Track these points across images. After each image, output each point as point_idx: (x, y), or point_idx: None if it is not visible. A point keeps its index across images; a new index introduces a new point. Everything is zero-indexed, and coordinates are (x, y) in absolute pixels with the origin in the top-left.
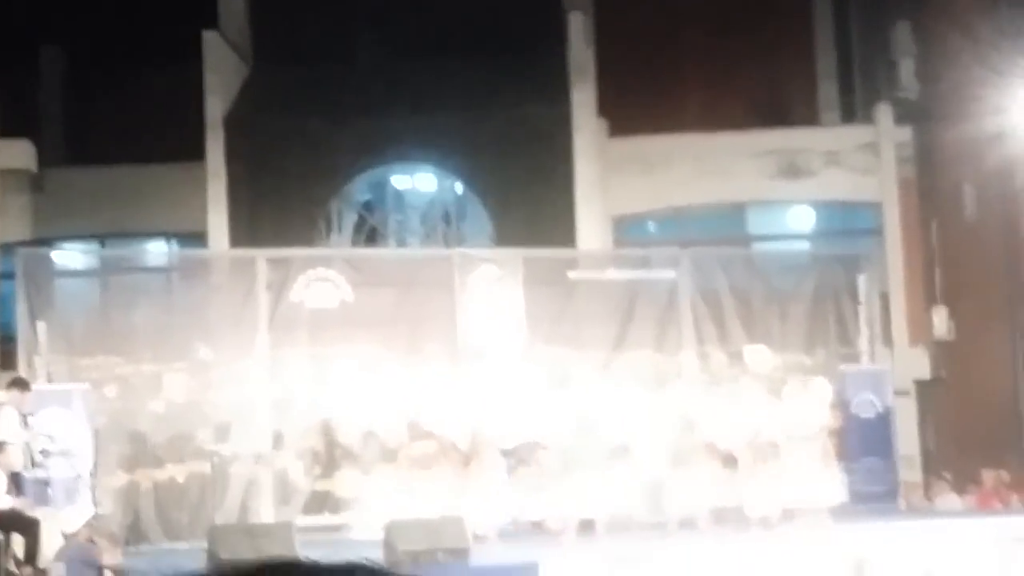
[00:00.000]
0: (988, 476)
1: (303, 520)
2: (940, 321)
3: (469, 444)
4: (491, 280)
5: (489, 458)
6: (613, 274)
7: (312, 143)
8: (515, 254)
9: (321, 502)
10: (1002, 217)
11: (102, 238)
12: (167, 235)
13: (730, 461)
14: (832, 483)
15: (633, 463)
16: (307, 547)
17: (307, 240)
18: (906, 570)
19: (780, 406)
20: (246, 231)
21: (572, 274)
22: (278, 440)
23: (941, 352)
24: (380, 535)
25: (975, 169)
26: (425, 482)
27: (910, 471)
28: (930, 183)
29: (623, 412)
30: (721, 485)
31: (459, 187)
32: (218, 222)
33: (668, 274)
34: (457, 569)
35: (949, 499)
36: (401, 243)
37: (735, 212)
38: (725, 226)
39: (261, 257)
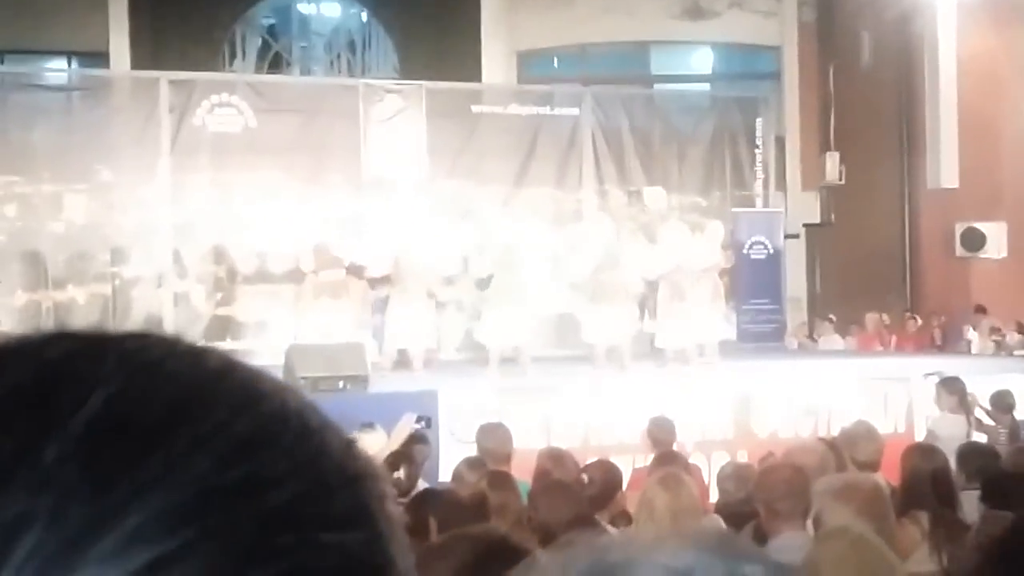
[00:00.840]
0: (871, 319)
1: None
2: (832, 166)
3: (392, 270)
4: (395, 111)
5: (412, 285)
6: (516, 109)
7: None
8: (419, 86)
9: (223, 327)
10: (897, 66)
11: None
12: (68, 54)
13: (639, 296)
14: (722, 320)
15: (542, 297)
16: None
17: (210, 65)
18: (789, 406)
19: (676, 244)
20: (148, 53)
21: (476, 108)
22: (179, 264)
23: (832, 196)
24: (280, 360)
25: (873, 16)
26: (330, 309)
27: (797, 312)
28: (829, 29)
29: (532, 246)
30: (630, 320)
31: (364, 15)
32: (120, 42)
33: (571, 111)
34: (356, 396)
35: (832, 340)
36: (305, 71)
37: (639, 51)
38: (628, 65)
39: (164, 79)
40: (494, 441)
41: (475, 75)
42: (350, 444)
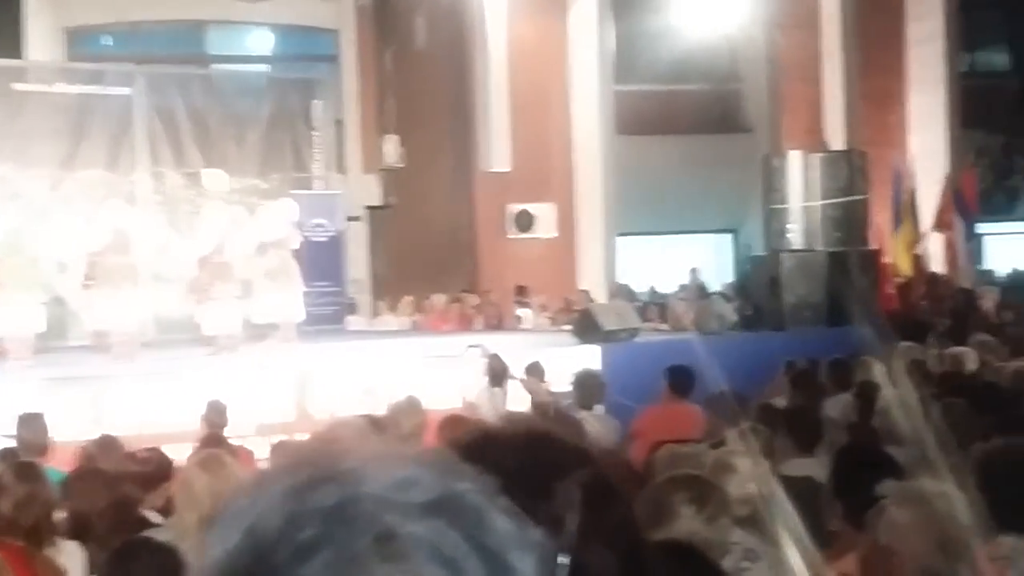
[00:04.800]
0: (438, 299)
1: None
2: (391, 149)
3: None
4: None
5: None
6: (64, 88)
7: None
8: None
9: None
10: (451, 51)
11: None
12: None
13: (189, 280)
14: (296, 302)
15: (70, 281)
16: None
17: None
18: (347, 386)
19: (242, 226)
20: None
21: (19, 86)
22: None
23: (392, 179)
24: None
25: (428, 1)
26: None
27: (359, 294)
28: (385, 13)
29: (71, 231)
30: (179, 303)
31: None
32: None
33: (123, 91)
34: None
35: (392, 320)
36: None
37: (195, 31)
38: (184, 45)
39: None
40: (30, 431)
41: (17, 52)
42: None
